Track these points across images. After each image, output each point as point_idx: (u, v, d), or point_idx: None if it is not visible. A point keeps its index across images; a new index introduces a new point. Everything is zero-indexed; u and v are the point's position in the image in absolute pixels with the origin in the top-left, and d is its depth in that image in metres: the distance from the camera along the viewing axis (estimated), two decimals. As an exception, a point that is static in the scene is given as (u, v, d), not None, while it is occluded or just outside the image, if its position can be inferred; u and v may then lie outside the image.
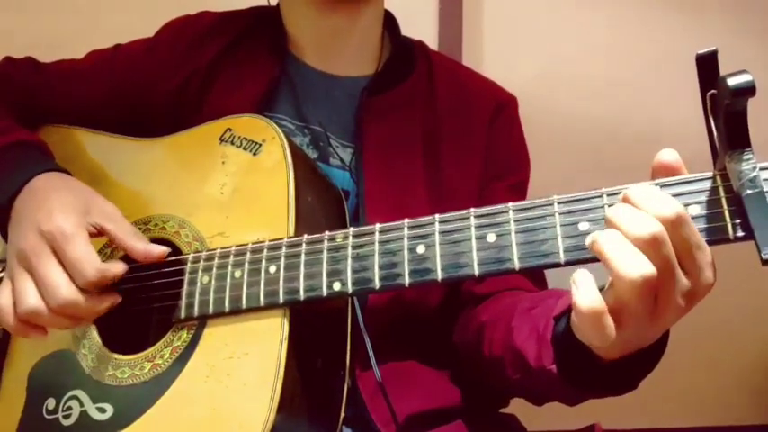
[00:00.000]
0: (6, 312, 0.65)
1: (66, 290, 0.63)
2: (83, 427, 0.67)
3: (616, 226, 0.47)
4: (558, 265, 0.53)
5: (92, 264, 0.64)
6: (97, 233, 0.68)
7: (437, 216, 0.59)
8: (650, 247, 0.45)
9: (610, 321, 0.47)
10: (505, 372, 0.69)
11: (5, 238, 0.71)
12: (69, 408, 0.68)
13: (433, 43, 1.41)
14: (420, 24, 1.43)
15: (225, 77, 0.87)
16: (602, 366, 0.55)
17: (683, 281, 0.47)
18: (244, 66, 0.88)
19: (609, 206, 0.51)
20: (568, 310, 0.57)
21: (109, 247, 0.74)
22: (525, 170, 0.94)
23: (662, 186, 0.50)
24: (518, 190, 0.91)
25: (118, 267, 0.66)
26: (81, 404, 0.68)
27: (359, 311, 0.71)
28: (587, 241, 0.49)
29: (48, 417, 0.69)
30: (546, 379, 0.62)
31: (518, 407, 0.84)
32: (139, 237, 0.70)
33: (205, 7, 0.95)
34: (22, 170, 0.73)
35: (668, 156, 0.50)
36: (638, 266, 0.45)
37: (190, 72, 0.86)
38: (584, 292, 0.47)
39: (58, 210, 0.66)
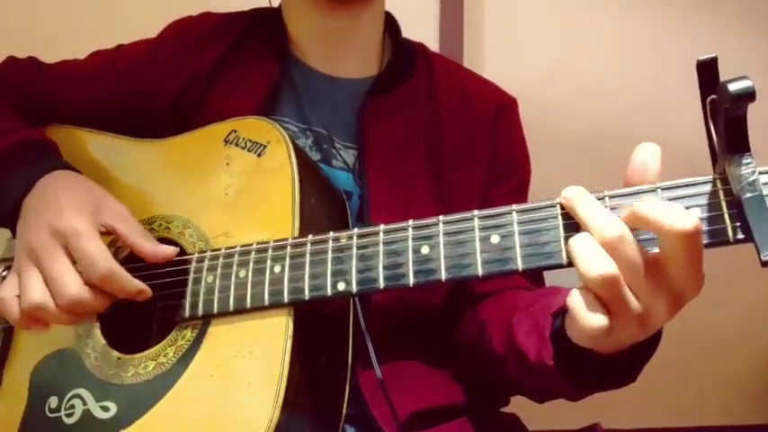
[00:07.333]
0: (10, 304, 0.66)
1: (74, 287, 0.64)
2: (86, 426, 0.66)
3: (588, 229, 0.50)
4: (560, 266, 0.53)
5: (105, 259, 0.64)
6: (106, 232, 0.68)
7: (441, 217, 0.59)
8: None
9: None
10: (507, 369, 0.71)
11: (14, 234, 0.72)
12: (72, 406, 0.68)
13: (434, 44, 1.41)
14: (421, 25, 1.43)
15: (227, 80, 0.87)
16: (599, 360, 0.56)
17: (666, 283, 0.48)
18: (245, 68, 0.88)
19: (611, 208, 0.52)
20: (565, 306, 0.58)
21: (113, 246, 0.74)
22: (526, 172, 0.95)
23: (664, 189, 0.51)
24: (519, 192, 0.92)
25: (131, 280, 0.66)
26: (84, 403, 0.68)
27: (360, 312, 0.72)
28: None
29: (50, 415, 0.69)
30: (546, 375, 0.62)
31: (519, 406, 0.85)
32: (148, 237, 0.70)
33: (207, 8, 0.95)
34: (32, 168, 0.73)
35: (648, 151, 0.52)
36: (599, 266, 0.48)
37: (192, 74, 0.87)
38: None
39: (69, 208, 0.67)
